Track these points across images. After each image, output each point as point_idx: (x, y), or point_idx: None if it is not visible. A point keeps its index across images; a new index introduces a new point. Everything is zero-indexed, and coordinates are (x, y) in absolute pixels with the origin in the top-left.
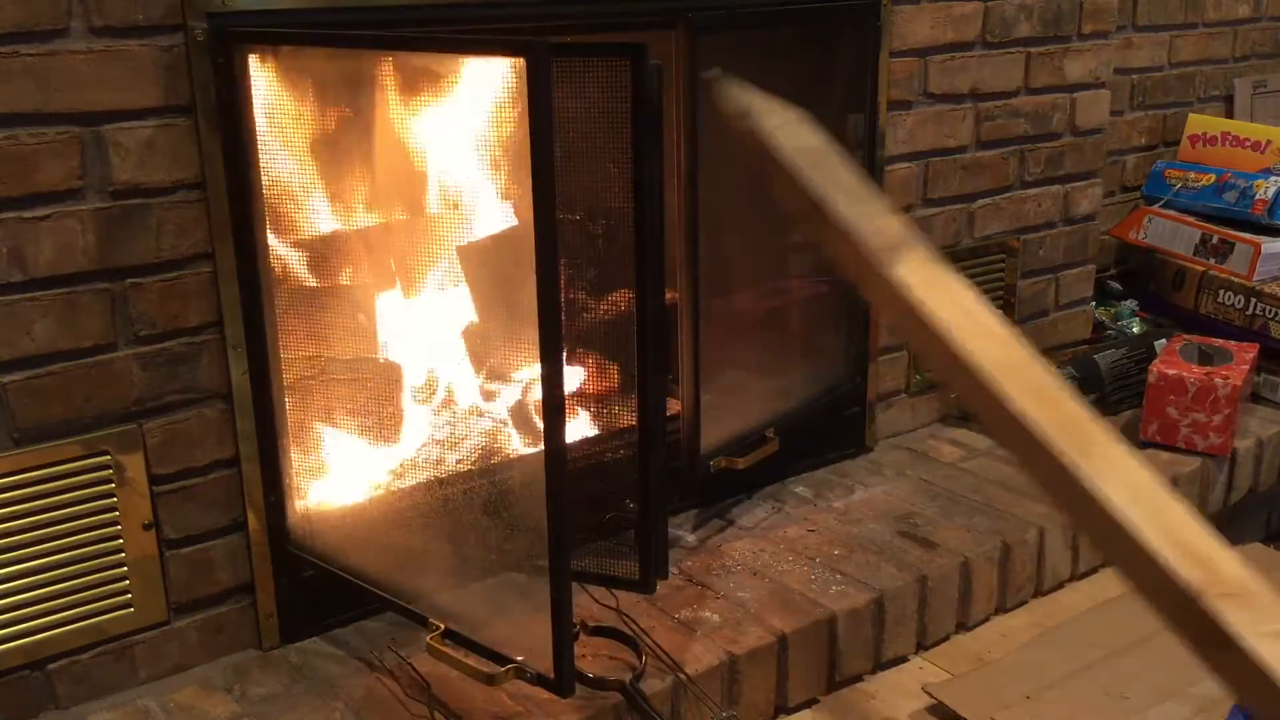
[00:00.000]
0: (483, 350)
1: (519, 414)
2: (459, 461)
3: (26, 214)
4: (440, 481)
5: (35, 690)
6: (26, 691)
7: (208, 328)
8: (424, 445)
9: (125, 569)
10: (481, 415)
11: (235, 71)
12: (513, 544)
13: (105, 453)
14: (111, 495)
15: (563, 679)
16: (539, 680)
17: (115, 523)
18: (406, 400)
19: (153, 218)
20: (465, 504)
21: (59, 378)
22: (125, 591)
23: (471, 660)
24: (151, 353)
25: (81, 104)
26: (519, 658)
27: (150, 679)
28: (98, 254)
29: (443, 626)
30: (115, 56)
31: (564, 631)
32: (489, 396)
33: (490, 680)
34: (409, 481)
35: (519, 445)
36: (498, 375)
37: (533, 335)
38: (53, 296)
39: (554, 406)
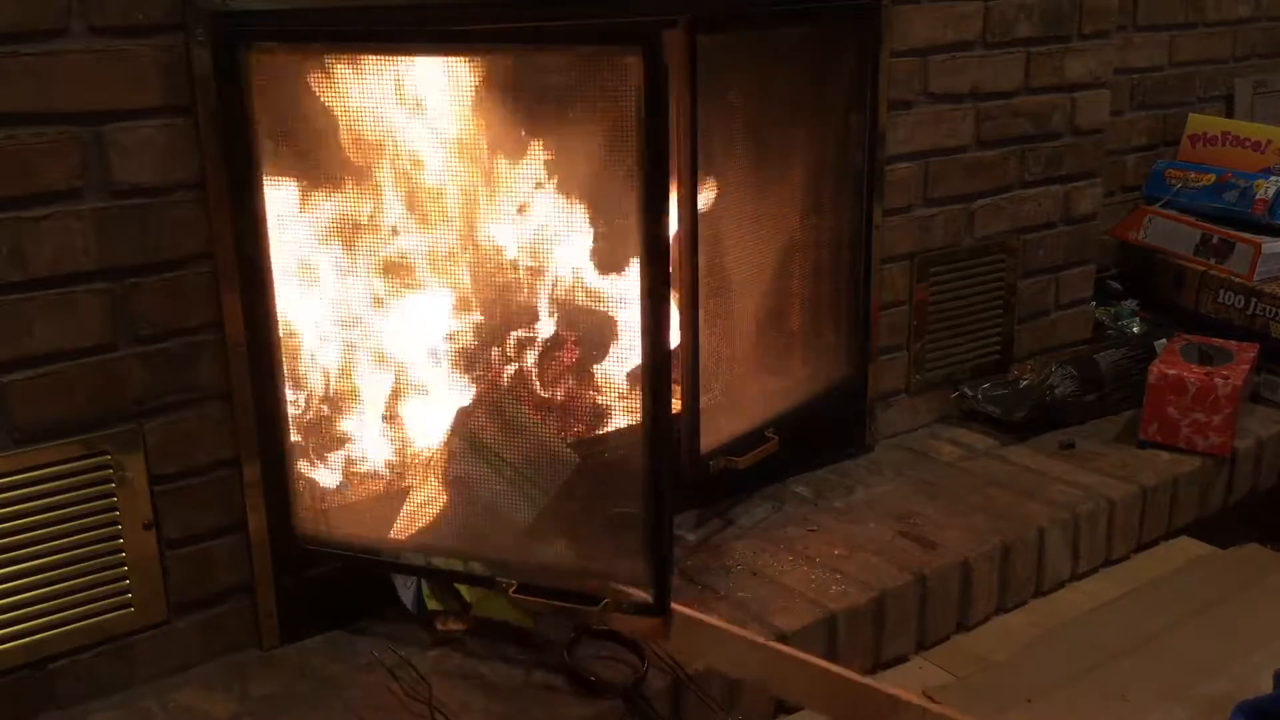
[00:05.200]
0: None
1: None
2: (503, 429)
3: (26, 214)
4: (485, 447)
5: (35, 690)
6: (26, 691)
7: (208, 328)
8: (459, 421)
9: (125, 569)
10: (522, 388)
11: (235, 71)
12: (589, 495)
13: (105, 453)
14: (111, 495)
15: (662, 602)
16: (636, 609)
17: (115, 523)
18: (435, 377)
19: (153, 218)
20: (521, 465)
21: (59, 378)
22: (125, 591)
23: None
24: (151, 353)
25: (81, 104)
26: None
27: (150, 679)
28: (98, 254)
29: (515, 583)
30: (115, 56)
31: (663, 557)
32: (525, 365)
33: (600, 615)
34: (447, 456)
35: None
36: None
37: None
38: (53, 296)
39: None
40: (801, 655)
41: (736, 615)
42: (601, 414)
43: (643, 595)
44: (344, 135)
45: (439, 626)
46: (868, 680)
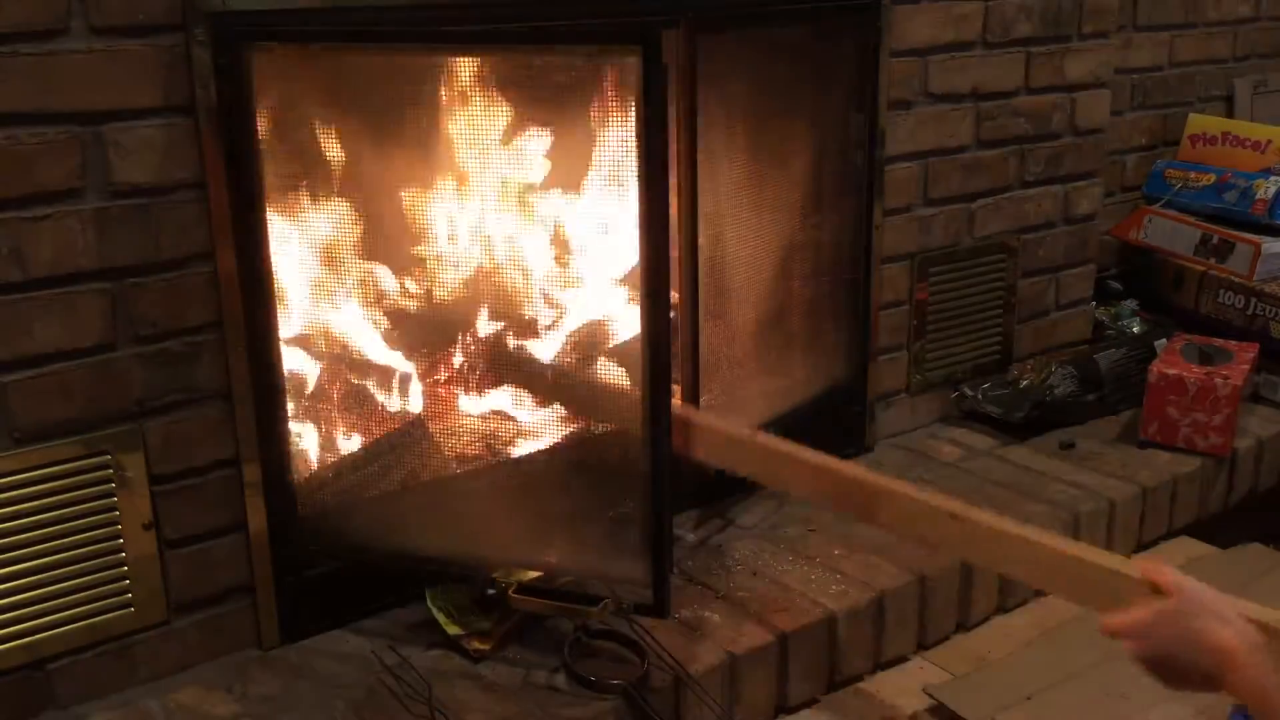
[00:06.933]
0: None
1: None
2: (502, 433)
3: (26, 214)
4: (485, 450)
5: (35, 690)
6: (26, 691)
7: (208, 328)
8: (456, 423)
9: (125, 569)
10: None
11: (236, 71)
12: (582, 495)
13: (105, 453)
14: (111, 495)
15: (663, 603)
16: (637, 609)
17: (115, 523)
18: (436, 376)
19: (153, 218)
20: (517, 468)
21: (59, 378)
22: (125, 591)
23: (561, 605)
24: (151, 353)
25: (81, 104)
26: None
27: (150, 679)
28: (98, 254)
29: (515, 584)
30: (115, 56)
31: (662, 561)
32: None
33: (600, 615)
34: (450, 458)
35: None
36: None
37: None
38: (53, 296)
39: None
40: (788, 446)
41: (736, 614)
42: (602, 413)
43: (643, 595)
44: (344, 134)
45: (468, 646)
46: (858, 471)
